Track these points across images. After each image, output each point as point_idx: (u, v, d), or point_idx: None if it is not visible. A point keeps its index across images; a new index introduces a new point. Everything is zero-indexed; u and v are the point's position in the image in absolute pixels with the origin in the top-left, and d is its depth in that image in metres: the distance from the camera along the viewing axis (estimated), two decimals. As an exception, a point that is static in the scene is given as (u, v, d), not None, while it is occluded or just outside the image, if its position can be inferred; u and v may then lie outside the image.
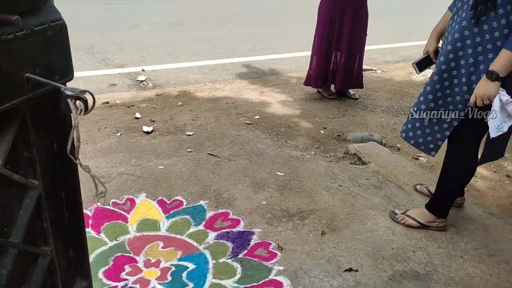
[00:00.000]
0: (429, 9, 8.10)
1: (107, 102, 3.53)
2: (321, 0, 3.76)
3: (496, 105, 1.73)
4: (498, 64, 1.69)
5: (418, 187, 2.56)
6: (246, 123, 3.38)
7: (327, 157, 3.02)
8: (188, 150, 2.86)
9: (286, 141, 3.17)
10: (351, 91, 4.06)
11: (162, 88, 3.99)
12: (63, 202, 0.75)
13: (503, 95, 1.72)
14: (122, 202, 2.24)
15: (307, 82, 3.95)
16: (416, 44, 6.05)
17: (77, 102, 0.54)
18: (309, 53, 3.94)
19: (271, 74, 4.61)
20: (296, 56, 5.20)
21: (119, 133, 3.05)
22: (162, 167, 2.61)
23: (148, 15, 6.15)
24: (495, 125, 1.76)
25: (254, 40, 5.56)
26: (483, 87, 1.74)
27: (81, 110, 0.54)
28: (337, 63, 3.82)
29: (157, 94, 3.81)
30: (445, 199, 2.15)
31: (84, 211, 2.11)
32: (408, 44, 6.03)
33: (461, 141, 2.00)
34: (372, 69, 4.96)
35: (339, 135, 3.35)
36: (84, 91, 0.54)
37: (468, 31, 1.80)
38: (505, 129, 1.76)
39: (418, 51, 5.77)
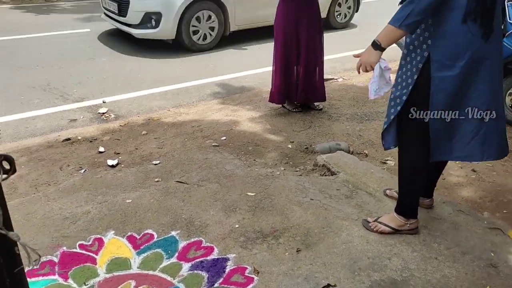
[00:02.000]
0: (386, 15, 8.34)
1: (68, 139, 3.43)
2: (276, 17, 3.80)
3: (376, 71, 1.98)
4: (381, 36, 1.90)
5: (387, 191, 2.59)
6: (213, 146, 3.35)
7: (296, 171, 3.02)
8: (156, 180, 2.80)
9: (254, 160, 3.15)
10: (315, 102, 4.10)
11: (125, 118, 3.92)
12: (2, 268, 0.71)
13: (383, 62, 1.96)
14: (89, 243, 2.16)
15: (271, 99, 3.97)
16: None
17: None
18: (270, 68, 3.97)
19: (235, 92, 4.61)
20: (258, 72, 5.23)
21: (83, 170, 2.96)
22: (130, 200, 2.54)
23: (105, 46, 6.07)
24: (374, 89, 2.04)
25: (215, 59, 5.58)
26: (367, 55, 1.96)
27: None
28: (298, 77, 3.86)
29: (120, 125, 3.74)
30: (408, 198, 2.18)
31: (50, 257, 2.03)
32: (366, 50, 6.16)
33: (403, 137, 2.08)
34: (333, 78, 5.03)
35: (307, 148, 3.36)
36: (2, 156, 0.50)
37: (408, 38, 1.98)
38: (382, 93, 2.05)
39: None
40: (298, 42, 3.74)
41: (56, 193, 2.65)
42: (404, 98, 1.96)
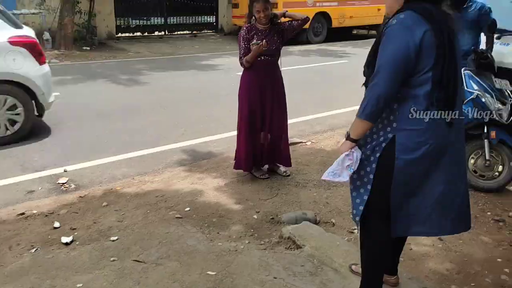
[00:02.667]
0: (349, 77, 8.65)
1: (23, 213, 3.26)
2: (240, 84, 3.86)
3: (340, 157, 2.00)
4: (350, 127, 1.97)
5: (353, 267, 2.51)
6: (177, 217, 3.23)
7: (261, 244, 2.92)
8: (112, 259, 2.65)
9: (218, 233, 3.04)
10: (282, 168, 4.07)
11: (86, 188, 3.79)
12: None
13: (353, 151, 1.96)
14: None
15: (237, 166, 3.93)
16: (341, 111, 6.33)
17: None
18: None
19: (203, 158, 4.56)
20: (228, 136, 5.21)
21: (34, 249, 2.79)
22: (81, 285, 2.37)
23: (72, 110, 6.01)
24: (329, 171, 2.04)
25: (185, 124, 5.56)
26: (342, 143, 2.01)
27: None
28: (263, 143, 3.87)
29: (80, 197, 3.60)
30: (370, 278, 2.11)
31: None
32: (335, 113, 6.29)
33: (364, 212, 2.03)
34: (302, 142, 5.06)
35: (272, 218, 3.28)
36: None
37: None
38: (331, 178, 2.04)
39: (345, 118, 6.03)
40: (263, 108, 3.79)
41: (1, 277, 2.45)
42: (371, 176, 1.96)
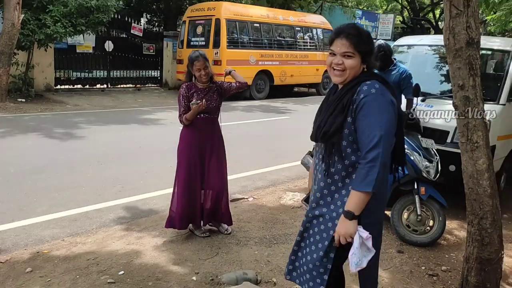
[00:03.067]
0: (291, 133, 8.93)
1: None
2: (180, 140, 3.83)
3: (356, 242, 1.85)
4: (351, 204, 1.86)
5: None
6: (109, 282, 3.02)
7: (200, 309, 2.78)
8: (32, 333, 2.39)
9: (154, 298, 2.86)
10: (224, 226, 4.00)
11: (8, 252, 3.46)
12: None
13: (362, 232, 1.86)
14: None
15: (171, 224, 3.81)
16: (283, 167, 6.45)
17: None
18: None
19: (141, 216, 4.38)
20: (168, 192, 5.03)
21: None
22: None
23: (1, 165, 5.63)
24: (355, 261, 1.86)
25: (123, 180, 5.37)
26: (343, 226, 1.87)
27: None
28: (202, 201, 3.80)
29: (1, 262, 3.27)
30: None
31: None
32: (276, 168, 6.39)
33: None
34: (244, 198, 5.04)
35: (212, 279, 3.16)
36: None
37: (323, 183, 2.02)
38: (364, 264, 1.87)
39: (286, 174, 6.14)
40: (202, 166, 3.76)
41: None
42: (332, 254, 1.98)
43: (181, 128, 3.84)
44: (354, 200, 1.85)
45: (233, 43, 13.55)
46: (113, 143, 7.32)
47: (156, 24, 19.10)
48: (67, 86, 13.67)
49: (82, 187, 5.04)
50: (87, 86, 14.16)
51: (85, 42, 13.56)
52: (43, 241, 3.71)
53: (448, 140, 4.41)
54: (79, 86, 14.01)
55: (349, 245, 1.88)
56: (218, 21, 13.25)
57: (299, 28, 16.11)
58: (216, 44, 13.24)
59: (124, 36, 15.36)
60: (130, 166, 5.97)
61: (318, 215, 2.03)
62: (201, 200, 3.81)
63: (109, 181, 5.32)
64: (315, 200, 2.06)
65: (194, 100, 3.59)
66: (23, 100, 11.14)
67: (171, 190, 5.04)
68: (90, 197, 4.76)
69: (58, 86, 13.33)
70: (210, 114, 3.72)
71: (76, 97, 12.46)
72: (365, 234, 1.85)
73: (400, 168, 2.15)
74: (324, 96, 2.20)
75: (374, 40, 2.16)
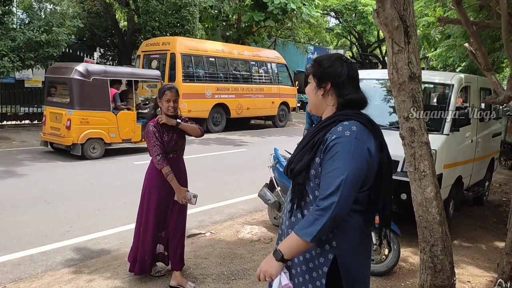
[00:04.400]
0: (248, 165, 8.94)
1: None
2: (148, 179, 3.51)
3: (275, 285, 1.71)
4: (284, 245, 1.68)
5: None
6: (54, 332, 2.80)
7: None
8: None
9: None
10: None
11: None
12: None
13: (284, 278, 1.71)
14: None
15: (141, 270, 3.57)
16: (241, 199, 6.40)
17: None
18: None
19: (91, 257, 4.15)
20: (121, 230, 4.89)
21: None
22: None
23: None
24: None
25: (72, 219, 5.10)
26: (268, 264, 1.71)
27: None
28: (167, 242, 3.62)
29: None
30: None
31: None
32: (233, 201, 6.33)
33: None
34: (201, 233, 4.92)
35: (167, 322, 3.01)
36: None
37: (288, 222, 1.84)
38: None
39: (244, 207, 6.09)
40: (168, 206, 3.51)
41: None
42: None
43: (148, 167, 3.53)
44: (290, 243, 1.67)
45: (188, 77, 13.61)
46: (62, 180, 6.99)
47: (110, 58, 18.88)
48: (14, 122, 13.09)
49: (26, 228, 4.74)
50: (36, 122, 13.62)
51: (34, 76, 13.15)
52: (-19, 290, 3.43)
53: (399, 169, 4.57)
54: (27, 121, 13.45)
55: None
56: (173, 55, 13.31)
57: (254, 63, 16.47)
58: (172, 78, 13.23)
59: (76, 70, 15.04)
60: (80, 204, 5.70)
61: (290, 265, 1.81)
62: (165, 242, 3.64)
63: (56, 220, 5.04)
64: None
65: (190, 192, 3.43)
66: (-35, 137, 10.53)
67: (123, 228, 4.92)
68: (35, 239, 4.48)
69: (4, 122, 12.74)
70: (178, 152, 3.52)
71: (23, 133, 11.92)
72: (286, 281, 1.71)
73: (386, 231, 1.91)
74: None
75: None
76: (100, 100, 8.80)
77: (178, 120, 3.47)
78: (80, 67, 8.65)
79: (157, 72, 10.67)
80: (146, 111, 9.26)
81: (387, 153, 1.80)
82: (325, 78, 1.80)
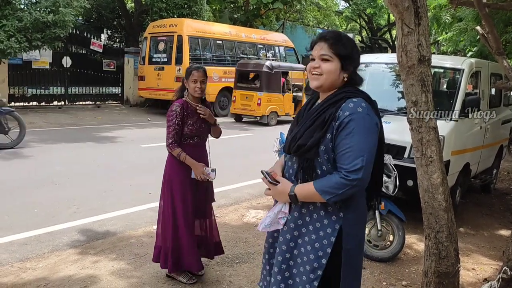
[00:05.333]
0: (254, 150, 8.93)
1: None
2: (169, 166, 3.32)
3: (276, 209, 1.90)
4: (302, 191, 1.79)
5: None
6: (60, 311, 2.84)
7: (158, 335, 2.65)
8: None
9: (108, 326, 2.71)
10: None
11: (-52, 282, 3.21)
12: None
13: (286, 207, 1.88)
14: None
15: (187, 266, 3.32)
16: (246, 184, 6.40)
17: None
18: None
19: (97, 238, 4.19)
20: (127, 213, 4.92)
21: None
22: None
23: None
24: (266, 222, 1.92)
25: (79, 201, 5.14)
26: (281, 192, 1.85)
27: None
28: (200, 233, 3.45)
29: None
30: None
31: None
32: (239, 185, 6.33)
33: None
34: (206, 216, 4.93)
35: (171, 303, 3.04)
36: None
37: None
38: (271, 229, 1.93)
39: (249, 191, 6.10)
40: (195, 194, 3.33)
41: None
42: (320, 272, 1.80)
43: (170, 157, 3.31)
44: (306, 193, 1.78)
45: (195, 60, 13.52)
46: (69, 162, 7.03)
47: (117, 40, 18.80)
48: (21, 104, 13.13)
49: (34, 209, 4.79)
50: (43, 103, 13.67)
51: (42, 57, 13.12)
52: (-11, 268, 3.47)
53: (405, 155, 4.52)
54: (34, 103, 13.49)
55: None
56: (180, 37, 13.21)
57: (261, 46, 16.32)
58: (179, 61, 13.17)
59: (83, 52, 15.00)
60: (87, 186, 5.74)
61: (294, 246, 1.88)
62: (198, 233, 3.43)
63: (63, 202, 5.08)
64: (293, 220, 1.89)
65: (207, 168, 3.28)
66: (-27, 117, 10.58)
67: (129, 210, 4.95)
68: (42, 219, 4.52)
69: (12, 104, 12.78)
70: (202, 137, 3.37)
71: (31, 114, 11.97)
72: (286, 210, 1.88)
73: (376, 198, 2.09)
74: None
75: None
76: (277, 86, 13.02)
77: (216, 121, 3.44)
78: (267, 63, 12.89)
79: (303, 66, 13.72)
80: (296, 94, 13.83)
81: (382, 129, 1.91)
82: (353, 63, 1.87)
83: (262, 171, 1.94)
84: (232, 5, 21.41)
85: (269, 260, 2.00)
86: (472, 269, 3.99)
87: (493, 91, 6.14)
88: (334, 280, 1.82)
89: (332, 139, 1.76)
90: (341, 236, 1.79)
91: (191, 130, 3.24)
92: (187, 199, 3.27)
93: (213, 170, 3.32)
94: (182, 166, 3.24)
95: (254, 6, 20.22)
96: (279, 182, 1.88)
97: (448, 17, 8.12)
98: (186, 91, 3.29)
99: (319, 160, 1.79)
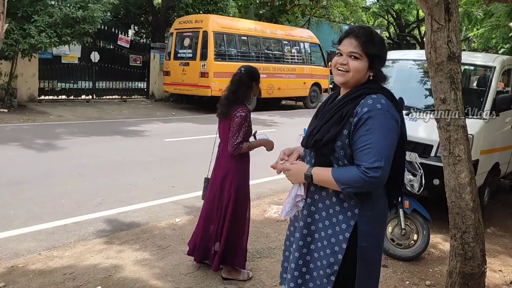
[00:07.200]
0: (277, 146, 8.89)
1: None
2: (237, 173, 3.38)
3: (293, 192, 1.88)
4: (319, 174, 1.79)
5: None
6: (85, 298, 2.91)
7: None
8: None
9: (131, 315, 2.77)
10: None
11: (-19, 267, 3.34)
12: None
13: (301, 189, 1.87)
14: None
15: (243, 262, 3.37)
16: (268, 180, 6.39)
17: None
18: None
19: (121, 229, 4.27)
20: (151, 205, 4.99)
21: None
22: None
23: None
24: (287, 209, 1.90)
25: (104, 192, 5.25)
26: (296, 174, 1.85)
27: None
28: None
29: (-28, 277, 3.15)
30: None
31: None
32: (261, 181, 6.33)
33: None
34: (228, 211, 4.96)
35: (193, 295, 3.08)
36: None
37: (318, 195, 1.86)
38: (292, 214, 1.92)
39: (271, 187, 6.10)
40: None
41: None
42: (336, 267, 1.80)
43: (230, 159, 3.31)
44: (323, 177, 1.77)
45: (220, 56, 13.58)
46: (96, 154, 7.19)
47: (144, 35, 19.07)
48: (51, 97, 13.48)
49: (61, 199, 4.92)
50: (72, 97, 14.00)
51: (71, 52, 13.44)
52: (19, 255, 3.59)
53: (432, 154, 4.43)
54: (63, 96, 13.83)
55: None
56: (205, 33, 13.28)
57: (286, 42, 16.24)
58: (204, 56, 13.25)
59: (110, 47, 15.28)
60: (112, 178, 5.86)
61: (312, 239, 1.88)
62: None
63: (89, 193, 5.21)
64: (309, 215, 1.89)
65: (260, 134, 3.38)
66: (5, 110, 10.94)
67: (153, 203, 5.02)
68: (69, 209, 4.64)
69: (42, 97, 13.15)
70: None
71: (60, 108, 12.29)
72: (302, 192, 1.86)
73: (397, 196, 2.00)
74: (314, 108, 2.10)
75: None
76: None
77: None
78: None
79: None
80: None
81: (404, 125, 1.87)
82: (381, 64, 1.85)
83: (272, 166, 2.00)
84: (257, 1, 21.39)
85: (289, 247, 2.00)
86: (499, 270, 3.88)
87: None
88: (350, 277, 1.81)
89: (350, 135, 1.74)
90: (356, 233, 1.78)
91: (248, 135, 3.34)
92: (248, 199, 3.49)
93: (262, 134, 3.49)
94: (247, 170, 3.48)
95: (280, 2, 20.15)
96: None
97: (480, 13, 7.89)
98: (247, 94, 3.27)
99: (336, 155, 1.79)
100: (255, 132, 3.37)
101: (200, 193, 3.68)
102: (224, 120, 3.28)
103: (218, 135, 3.40)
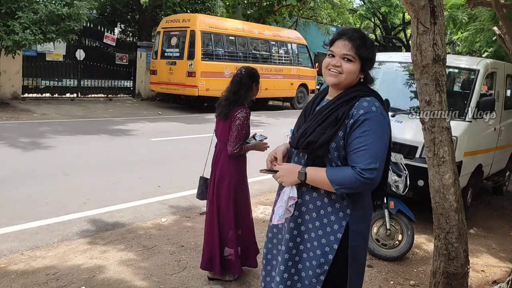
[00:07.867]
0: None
1: None
2: (235, 175, 3.29)
3: (285, 195, 1.84)
4: (312, 175, 1.78)
5: None
6: (68, 299, 2.87)
7: (164, 327, 2.67)
8: None
9: (115, 316, 2.74)
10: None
11: (-39, 267, 3.27)
12: None
13: (294, 191, 1.83)
14: None
15: (246, 264, 3.38)
16: (255, 180, 6.36)
17: None
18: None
19: (106, 229, 4.22)
20: (136, 205, 4.94)
21: None
22: None
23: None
24: (280, 213, 1.86)
25: (89, 192, 5.18)
26: (290, 173, 1.83)
27: None
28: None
29: (-49, 278, 3.08)
30: None
31: None
32: (257, 179, 6.31)
33: None
34: (205, 212, 4.94)
35: (178, 295, 3.06)
36: None
37: (309, 196, 1.85)
38: (283, 219, 1.87)
39: (258, 187, 6.09)
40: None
41: None
42: (326, 267, 1.81)
43: (228, 159, 3.24)
44: (317, 177, 1.76)
45: (207, 55, 13.53)
46: (81, 153, 7.10)
47: (130, 34, 18.87)
48: (35, 95, 13.25)
49: (45, 199, 4.84)
50: (56, 95, 13.77)
51: (56, 50, 13.22)
52: (0, 255, 3.52)
53: (417, 155, 4.48)
54: (47, 94, 13.61)
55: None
56: (193, 32, 13.22)
57: (274, 43, 16.27)
58: (191, 56, 13.18)
59: (96, 45, 15.09)
60: (97, 178, 5.79)
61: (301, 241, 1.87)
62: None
63: (74, 192, 5.13)
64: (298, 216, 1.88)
65: (259, 135, 3.34)
66: (-12, 107, 10.75)
67: (138, 203, 4.98)
68: (53, 209, 4.57)
69: (26, 95, 12.92)
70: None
71: (44, 106, 12.10)
72: (294, 194, 1.83)
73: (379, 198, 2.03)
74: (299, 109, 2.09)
75: None
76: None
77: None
78: None
79: None
80: None
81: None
82: (370, 66, 1.87)
83: (261, 170, 1.95)
84: (245, 1, 21.38)
85: (271, 250, 2.00)
86: (482, 271, 3.94)
87: (508, 92, 6.05)
88: (339, 276, 1.82)
89: (345, 137, 1.76)
90: (347, 233, 1.80)
91: (247, 136, 3.30)
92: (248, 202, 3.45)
93: (265, 138, 3.45)
94: (244, 172, 3.37)
95: (268, 3, 20.17)
96: (277, 171, 1.88)
97: (465, 17, 8.02)
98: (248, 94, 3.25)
99: (329, 156, 1.79)
100: (255, 134, 3.37)
101: (188, 192, 3.66)
102: (224, 121, 3.24)
103: (215, 135, 3.37)
